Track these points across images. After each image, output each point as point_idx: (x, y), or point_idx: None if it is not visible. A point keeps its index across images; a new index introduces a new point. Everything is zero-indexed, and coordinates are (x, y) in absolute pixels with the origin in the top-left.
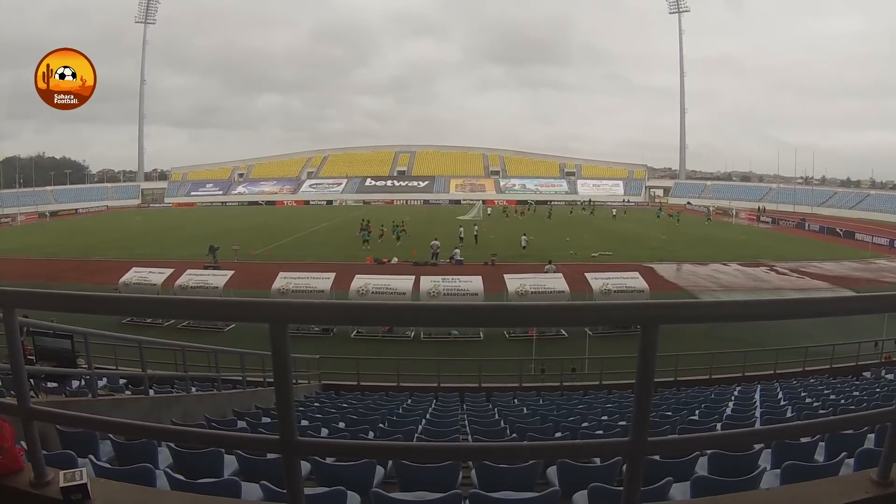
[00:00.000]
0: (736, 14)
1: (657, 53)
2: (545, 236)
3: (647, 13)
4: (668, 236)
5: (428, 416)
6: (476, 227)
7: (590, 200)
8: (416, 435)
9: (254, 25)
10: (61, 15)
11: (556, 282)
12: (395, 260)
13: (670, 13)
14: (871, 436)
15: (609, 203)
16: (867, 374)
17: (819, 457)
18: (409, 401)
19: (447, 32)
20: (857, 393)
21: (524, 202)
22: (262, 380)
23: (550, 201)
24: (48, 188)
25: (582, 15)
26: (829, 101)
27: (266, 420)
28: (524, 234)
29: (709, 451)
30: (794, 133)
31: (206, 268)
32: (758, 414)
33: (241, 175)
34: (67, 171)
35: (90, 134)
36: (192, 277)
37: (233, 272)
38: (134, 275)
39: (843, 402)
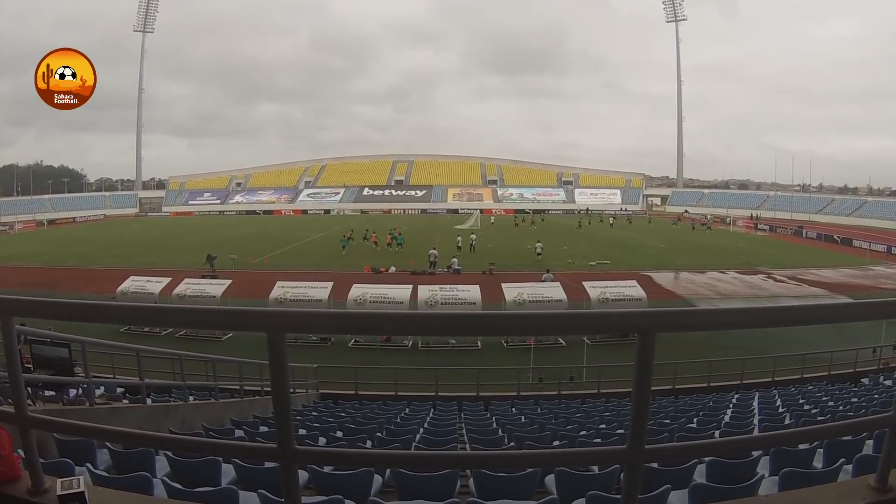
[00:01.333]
0: (731, 21)
1: (654, 61)
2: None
3: (643, 21)
4: (667, 244)
5: (426, 424)
6: (473, 235)
7: (587, 209)
8: (413, 444)
9: (253, 35)
10: (61, 24)
11: (553, 290)
12: (392, 269)
13: (667, 22)
14: (870, 442)
15: (606, 211)
16: (865, 381)
17: (817, 463)
18: (407, 409)
19: (444, 42)
20: (856, 399)
21: (523, 211)
22: (259, 388)
23: (592, 209)
24: (46, 196)
25: (578, 24)
26: (825, 107)
27: (264, 429)
28: (538, 242)
29: (707, 459)
30: (791, 140)
31: (204, 277)
32: (756, 421)
33: (238, 184)
34: (65, 180)
35: (89, 142)
36: (189, 286)
37: (231, 281)
38: (131, 283)
39: (841, 408)
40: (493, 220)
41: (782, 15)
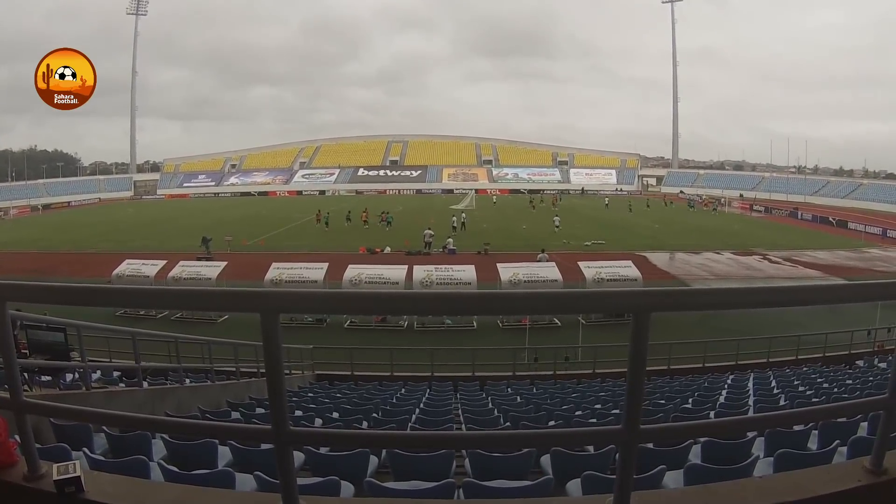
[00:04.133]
0: (723, 5)
1: (645, 44)
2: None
3: (633, 4)
4: (662, 225)
5: (422, 405)
6: (464, 215)
7: (582, 189)
8: (409, 424)
9: (245, 20)
10: (56, 11)
11: (548, 270)
12: (387, 249)
13: (663, 2)
14: (864, 424)
15: (601, 192)
16: (860, 363)
17: (812, 445)
18: (403, 390)
19: (434, 26)
20: (850, 381)
21: (519, 191)
22: (255, 370)
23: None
24: (40, 181)
25: (567, 8)
26: (820, 90)
27: (260, 411)
28: (556, 216)
29: (702, 439)
30: (786, 123)
31: (199, 259)
32: (751, 402)
33: (233, 166)
34: (59, 164)
35: (83, 127)
36: (185, 269)
37: (226, 263)
38: (127, 267)
39: (835, 390)
40: (495, 200)
41: (769, 2)
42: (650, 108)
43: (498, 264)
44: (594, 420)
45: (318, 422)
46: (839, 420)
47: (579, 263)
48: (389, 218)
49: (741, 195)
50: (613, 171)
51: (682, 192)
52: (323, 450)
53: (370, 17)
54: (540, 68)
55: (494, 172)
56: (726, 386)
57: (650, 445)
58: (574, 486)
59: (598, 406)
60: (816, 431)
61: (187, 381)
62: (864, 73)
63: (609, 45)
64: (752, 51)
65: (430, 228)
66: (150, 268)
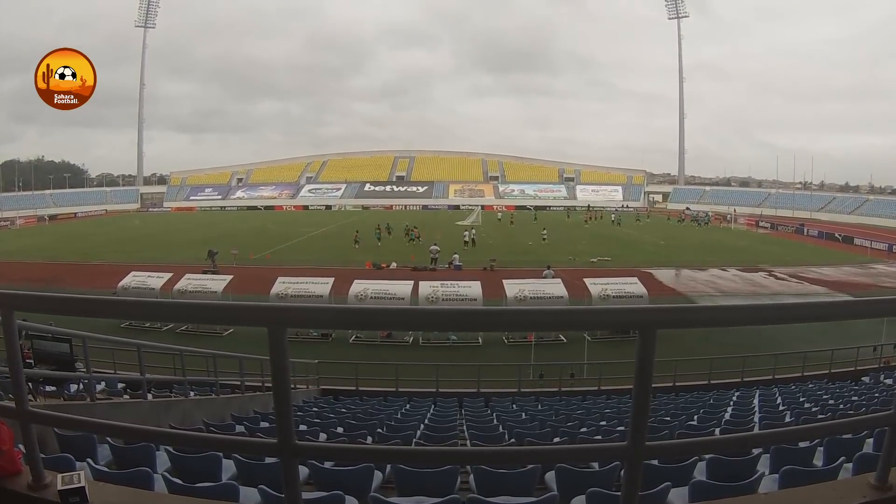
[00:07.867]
0: (727, 20)
1: (646, 59)
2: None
3: (633, 19)
4: (667, 241)
5: (426, 420)
6: (473, 230)
7: (588, 206)
8: (414, 440)
9: (252, 34)
10: (67, 24)
11: (554, 287)
12: (393, 265)
13: (669, 18)
14: (870, 440)
15: (608, 209)
16: (866, 379)
17: (817, 461)
18: (408, 406)
19: (436, 42)
20: (856, 397)
21: (526, 207)
22: (260, 384)
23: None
24: (47, 192)
25: (565, 24)
26: (823, 105)
27: (264, 424)
28: (544, 230)
29: (707, 456)
30: (792, 138)
31: (205, 272)
32: (756, 419)
33: (240, 180)
34: (67, 175)
35: (91, 138)
36: (190, 282)
37: (232, 276)
38: (133, 279)
39: (841, 406)
40: (499, 217)
41: (778, 13)
42: (654, 122)
43: (504, 280)
44: (599, 436)
45: (323, 436)
46: (844, 436)
47: (585, 280)
48: (412, 235)
49: (734, 210)
50: (619, 188)
51: (688, 208)
52: (327, 464)
53: (373, 32)
54: (541, 83)
55: (501, 188)
56: (732, 402)
57: (655, 462)
58: (579, 502)
59: (603, 422)
60: (822, 448)
61: (192, 393)
62: (873, 86)
63: (609, 59)
64: (755, 65)
65: (436, 244)
66: (156, 280)
